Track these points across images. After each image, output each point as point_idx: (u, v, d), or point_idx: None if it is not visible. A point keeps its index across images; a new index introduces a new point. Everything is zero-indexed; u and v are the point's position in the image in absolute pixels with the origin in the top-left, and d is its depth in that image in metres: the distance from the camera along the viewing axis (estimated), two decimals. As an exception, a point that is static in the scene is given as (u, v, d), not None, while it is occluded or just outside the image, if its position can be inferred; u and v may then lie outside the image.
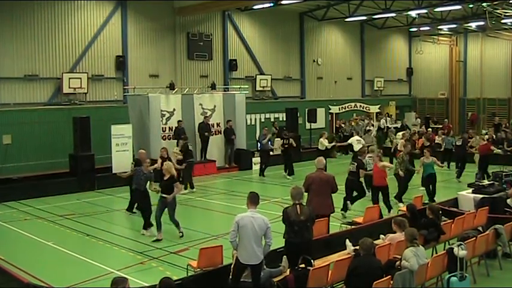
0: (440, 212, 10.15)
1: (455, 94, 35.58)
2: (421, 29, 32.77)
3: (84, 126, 17.88)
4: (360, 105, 29.79)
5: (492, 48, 33.86)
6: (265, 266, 7.81)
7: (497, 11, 25.03)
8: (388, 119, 31.67)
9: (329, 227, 10.54)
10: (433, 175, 15.11)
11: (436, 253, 8.89)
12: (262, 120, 27.25)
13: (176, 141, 19.74)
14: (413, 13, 27.20)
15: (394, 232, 8.71)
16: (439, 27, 31.98)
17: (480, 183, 13.59)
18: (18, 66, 19.51)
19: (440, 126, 29.97)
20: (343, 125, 28.24)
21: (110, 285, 5.84)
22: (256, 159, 22.23)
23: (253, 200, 7.60)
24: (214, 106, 21.73)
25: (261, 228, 7.30)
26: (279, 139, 24.49)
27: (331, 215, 10.68)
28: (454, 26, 31.52)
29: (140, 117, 19.64)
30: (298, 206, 8.14)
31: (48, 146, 19.73)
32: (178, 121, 19.94)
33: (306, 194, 10.19)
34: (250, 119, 26.31)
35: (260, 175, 20.05)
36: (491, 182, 13.77)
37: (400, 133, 24.71)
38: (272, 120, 26.98)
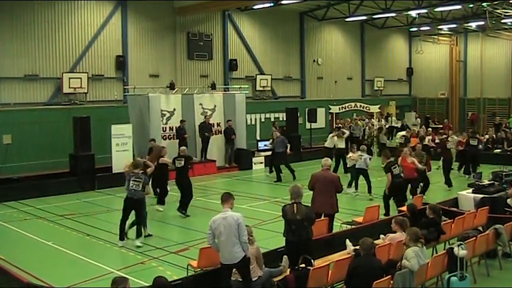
0: (441, 211, 10.15)
1: (455, 94, 35.58)
2: (421, 28, 32.76)
3: (84, 126, 17.87)
4: (360, 105, 29.74)
5: (492, 48, 33.86)
6: (264, 266, 7.81)
7: (497, 11, 25.04)
8: (389, 118, 31.73)
9: (332, 226, 10.54)
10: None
11: (436, 253, 8.88)
12: (263, 120, 27.28)
13: (178, 140, 19.75)
14: (413, 13, 27.20)
15: (395, 232, 8.71)
16: (439, 27, 31.96)
17: (480, 183, 13.58)
18: (18, 66, 19.51)
19: (441, 126, 30.02)
20: (340, 126, 28.20)
21: (110, 285, 5.84)
22: (257, 159, 22.26)
23: (224, 199, 7.63)
24: (215, 106, 21.73)
25: (231, 227, 7.20)
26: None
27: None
28: (454, 25, 31.52)
29: (140, 117, 19.62)
30: (295, 205, 8.18)
31: (48, 145, 19.72)
32: (181, 120, 19.96)
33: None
34: (251, 119, 26.33)
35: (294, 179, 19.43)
36: (492, 181, 13.76)
37: (401, 133, 24.76)
38: (272, 120, 26.99)
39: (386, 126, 29.84)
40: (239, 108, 22.23)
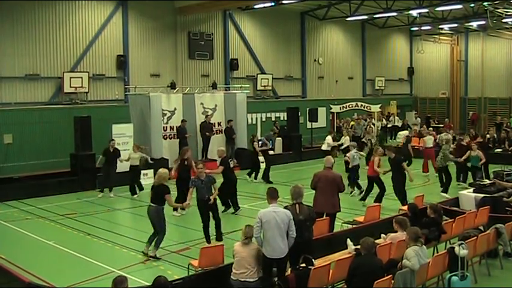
0: (442, 211, 10.14)
1: (456, 93, 35.58)
2: (422, 28, 32.78)
3: (85, 125, 17.87)
4: (361, 105, 29.76)
5: (493, 47, 33.86)
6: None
7: (498, 10, 25.01)
8: (391, 118, 31.74)
9: (333, 226, 10.53)
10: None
11: (437, 252, 8.88)
12: (264, 119, 27.28)
13: (178, 140, 19.73)
14: (414, 12, 27.19)
15: (395, 231, 8.71)
16: (440, 26, 31.98)
17: (481, 183, 13.57)
18: (19, 66, 19.53)
19: (442, 125, 30.01)
20: (341, 125, 28.23)
21: (111, 284, 5.85)
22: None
23: (272, 195, 7.78)
24: (215, 105, 21.74)
25: (284, 222, 7.42)
26: (280, 138, 24.55)
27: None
28: (455, 25, 31.52)
29: (141, 117, 19.63)
30: (297, 205, 8.16)
31: (49, 145, 19.74)
32: (182, 120, 19.96)
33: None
34: (251, 119, 26.33)
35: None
36: (492, 181, 13.76)
37: (402, 132, 24.75)
38: (273, 119, 26.99)
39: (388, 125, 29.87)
40: (240, 107, 22.23)
